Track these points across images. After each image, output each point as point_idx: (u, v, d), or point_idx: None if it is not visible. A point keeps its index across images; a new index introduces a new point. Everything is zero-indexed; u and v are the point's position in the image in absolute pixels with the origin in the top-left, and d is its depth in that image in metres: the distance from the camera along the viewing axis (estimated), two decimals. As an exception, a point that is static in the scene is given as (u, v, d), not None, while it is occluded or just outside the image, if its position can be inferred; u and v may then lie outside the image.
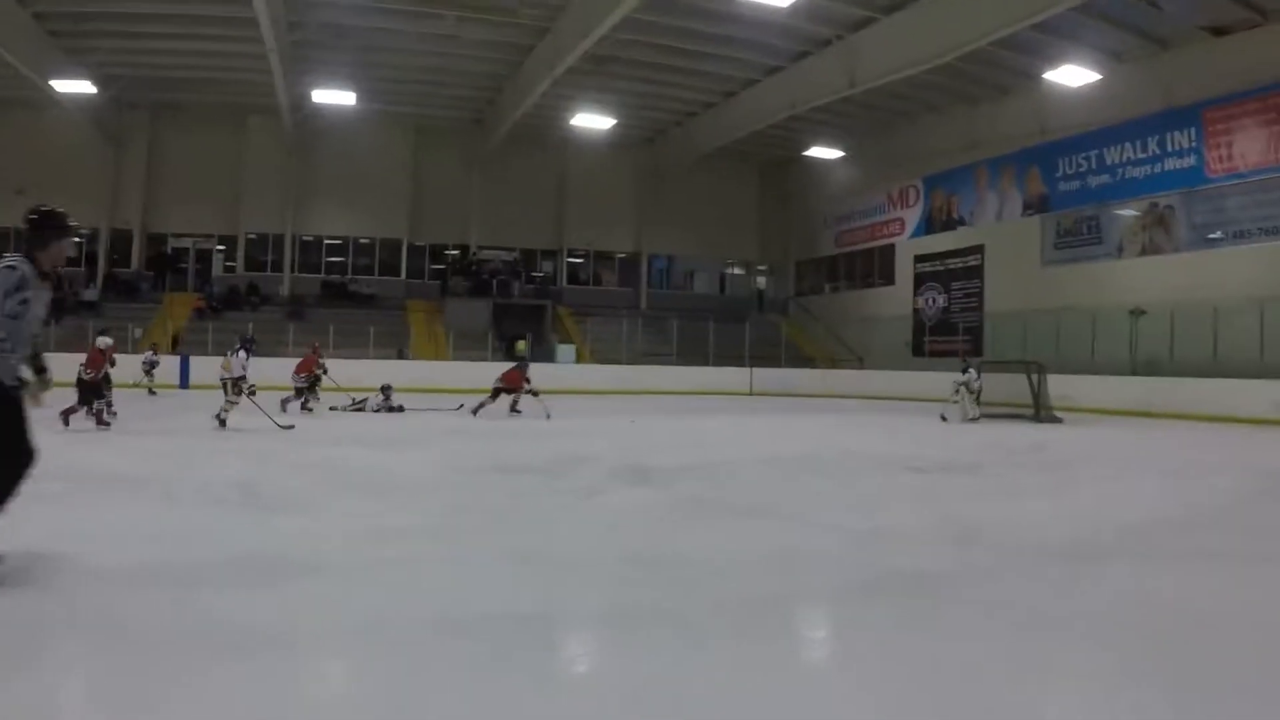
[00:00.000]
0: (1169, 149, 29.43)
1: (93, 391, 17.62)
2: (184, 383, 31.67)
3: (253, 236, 43.00)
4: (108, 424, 17.67)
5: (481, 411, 22.71)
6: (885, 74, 30.29)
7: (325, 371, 24.37)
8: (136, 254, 41.62)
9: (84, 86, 33.02)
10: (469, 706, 4.36)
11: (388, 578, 6.89)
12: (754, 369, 39.17)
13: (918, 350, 38.70)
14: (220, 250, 43.32)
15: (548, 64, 31.88)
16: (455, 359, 37.65)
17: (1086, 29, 27.99)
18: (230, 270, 42.75)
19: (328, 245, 44.29)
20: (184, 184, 41.14)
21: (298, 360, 24.42)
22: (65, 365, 27.31)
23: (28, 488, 8.27)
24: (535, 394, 22.90)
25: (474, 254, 45.65)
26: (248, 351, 18.72)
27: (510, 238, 46.63)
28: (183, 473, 11.63)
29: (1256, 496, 12.21)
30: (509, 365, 24.90)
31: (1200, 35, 27.85)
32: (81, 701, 4.55)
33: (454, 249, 46.35)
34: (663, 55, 33.43)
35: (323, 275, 43.73)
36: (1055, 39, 28.53)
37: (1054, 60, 29.18)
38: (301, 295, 41.70)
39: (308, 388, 23.47)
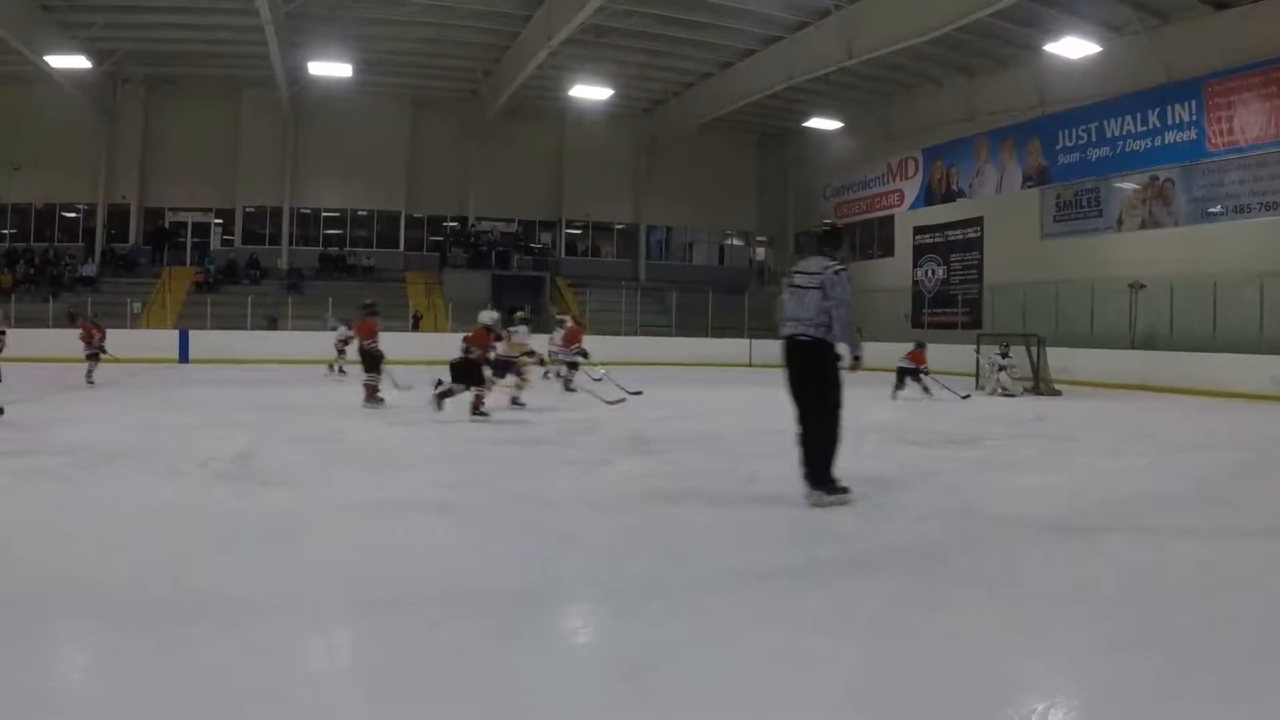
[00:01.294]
0: (1169, 122, 29.30)
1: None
2: (183, 357, 31.56)
3: (250, 210, 42.90)
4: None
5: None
6: (884, 45, 30.12)
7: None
8: (134, 229, 41.49)
9: (78, 61, 32.78)
10: (469, 680, 4.38)
11: (388, 551, 6.92)
12: (753, 340, 38.99)
13: (916, 323, 38.63)
14: (218, 224, 43.20)
15: (545, 34, 31.70)
16: (454, 330, 37.57)
17: (1086, 1, 27.89)
18: (228, 244, 42.68)
19: (325, 218, 44.23)
20: (181, 158, 40.93)
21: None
22: (61, 341, 27.56)
23: (34, 462, 8.28)
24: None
25: (472, 225, 45.58)
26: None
27: (509, 209, 46.61)
28: (186, 447, 11.65)
29: (1252, 471, 12.28)
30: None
31: (1201, 8, 27.62)
32: (78, 675, 4.57)
33: (452, 221, 46.23)
34: (660, 25, 33.25)
35: (321, 248, 43.67)
36: (1055, 11, 28.38)
37: (1054, 32, 28.91)
38: (300, 268, 41.67)
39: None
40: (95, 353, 23.27)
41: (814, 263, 8.82)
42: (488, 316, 16.64)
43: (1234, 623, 5.58)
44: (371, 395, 17.85)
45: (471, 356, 15.86)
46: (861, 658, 4.86)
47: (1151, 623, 5.51)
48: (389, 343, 19.17)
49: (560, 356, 22.48)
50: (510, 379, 17.75)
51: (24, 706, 3.91)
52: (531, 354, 18.70)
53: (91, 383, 22.09)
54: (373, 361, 18.29)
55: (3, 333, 20.01)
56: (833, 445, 8.69)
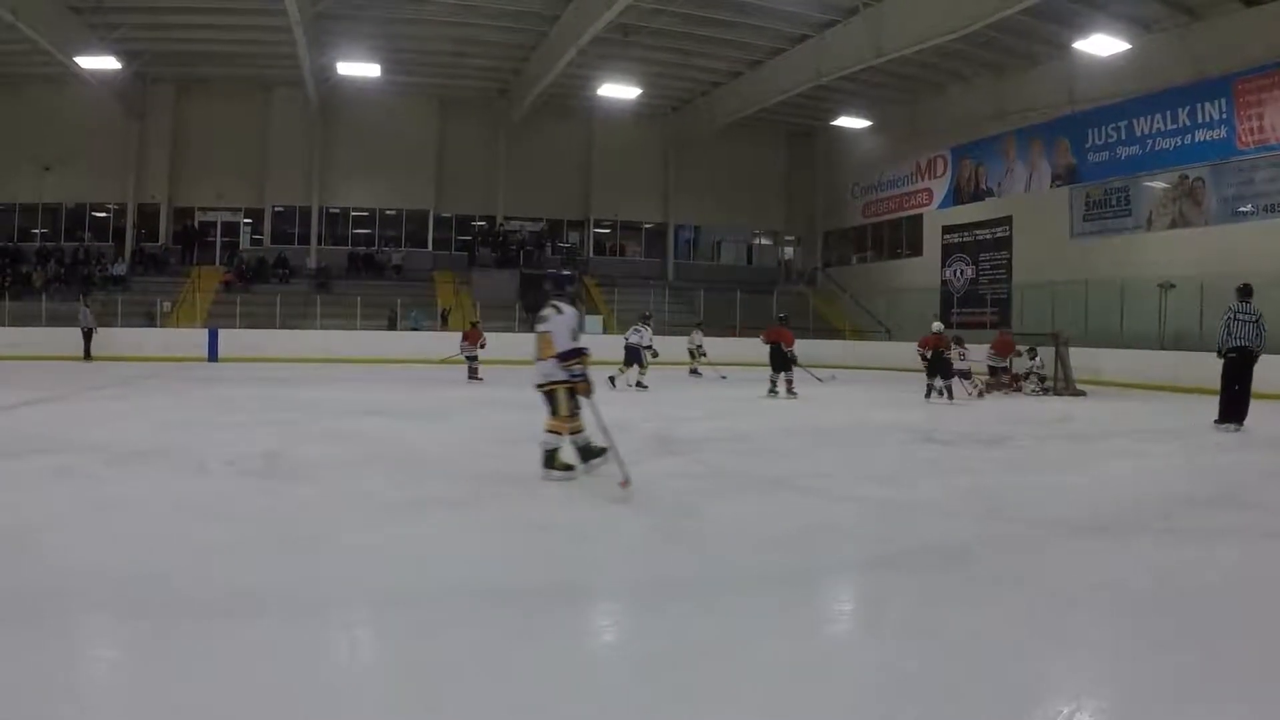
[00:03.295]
0: (1199, 120, 29.09)
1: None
2: (213, 355, 31.68)
3: (279, 209, 43.08)
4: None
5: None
6: (912, 43, 30.00)
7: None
8: (164, 228, 41.65)
9: (108, 62, 32.93)
10: (491, 678, 4.40)
11: (412, 548, 6.96)
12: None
13: (945, 322, 38.47)
14: (247, 223, 43.36)
15: (573, 34, 31.78)
16: (484, 329, 37.66)
17: (1116, -2, 27.74)
18: (257, 243, 42.84)
19: (354, 217, 44.36)
20: (210, 158, 41.10)
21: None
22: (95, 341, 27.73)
23: (62, 460, 8.34)
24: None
25: (500, 224, 45.62)
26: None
27: (536, 208, 46.66)
28: (214, 445, 11.70)
29: (1276, 473, 12.19)
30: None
31: (1231, 5, 27.43)
32: (102, 669, 4.60)
33: (480, 220, 46.24)
34: (689, 24, 33.23)
35: (349, 247, 43.79)
36: (1084, 8, 28.30)
37: (1083, 29, 28.75)
38: (328, 267, 41.72)
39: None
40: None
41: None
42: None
43: (1263, 625, 5.56)
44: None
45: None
46: (887, 659, 4.85)
47: (1179, 625, 5.49)
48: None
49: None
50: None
51: (48, 701, 3.95)
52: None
53: None
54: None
55: None
56: None
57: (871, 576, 6.66)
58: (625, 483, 8.74)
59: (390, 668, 4.60)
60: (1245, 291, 16.62)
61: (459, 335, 28.03)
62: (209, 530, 7.24)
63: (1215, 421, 16.33)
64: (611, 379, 23.38)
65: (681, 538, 7.54)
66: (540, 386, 9.66)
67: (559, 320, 9.48)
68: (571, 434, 9.71)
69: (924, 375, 22.54)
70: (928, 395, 21.88)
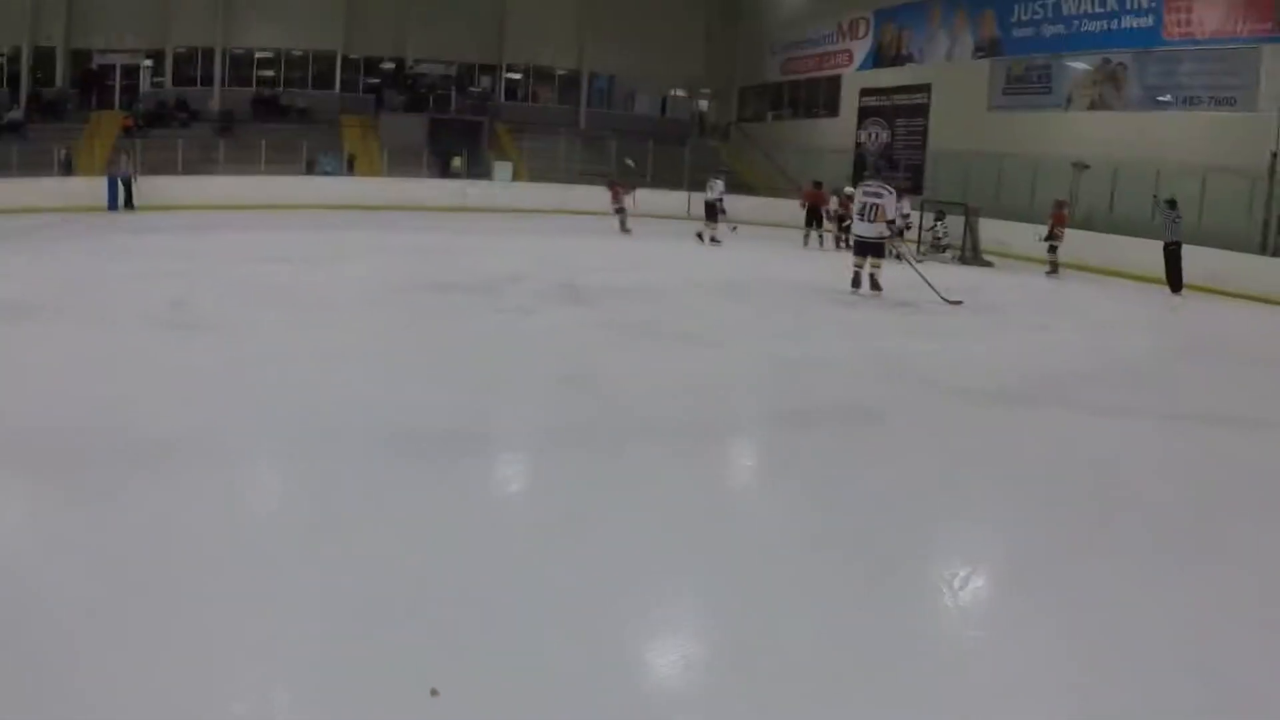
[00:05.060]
0: (1127, 6, 28.97)
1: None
2: (113, 204, 30.78)
3: (181, 50, 41.24)
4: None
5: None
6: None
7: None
8: (61, 73, 39.82)
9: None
10: (395, 520, 4.67)
11: (320, 394, 6.98)
12: (691, 193, 38.73)
13: (858, 184, 38.43)
14: (148, 66, 41.42)
15: None
16: (390, 176, 37.09)
17: None
18: (159, 86, 41.13)
19: (259, 58, 42.70)
20: (110, -2, 39.28)
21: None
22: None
23: None
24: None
25: (410, 67, 44.45)
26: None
27: (448, 50, 45.28)
28: (117, 297, 11.50)
29: (1174, 357, 13.03)
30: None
31: (1170, -113, 27.18)
32: (15, 519, 4.72)
33: (390, 62, 44.96)
34: None
35: (254, 89, 42.29)
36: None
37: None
38: (232, 111, 40.26)
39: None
40: None
41: None
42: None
43: (1147, 497, 6.16)
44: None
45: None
46: (788, 511, 5.00)
47: (1074, 492, 5.95)
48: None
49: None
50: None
51: None
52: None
53: None
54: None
55: None
56: None
57: (776, 430, 6.82)
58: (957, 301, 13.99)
59: (292, 513, 4.76)
60: (1174, 202, 21.48)
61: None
62: (111, 381, 7.25)
63: (1174, 293, 20.75)
64: (699, 234, 25.42)
65: (587, 387, 7.61)
66: (870, 239, 15.81)
67: (889, 198, 15.93)
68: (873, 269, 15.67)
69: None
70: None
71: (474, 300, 12.17)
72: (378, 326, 9.80)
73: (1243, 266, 23.38)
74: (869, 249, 16.01)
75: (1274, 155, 24.89)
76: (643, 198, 34.69)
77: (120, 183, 30.61)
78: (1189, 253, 22.41)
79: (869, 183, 16.76)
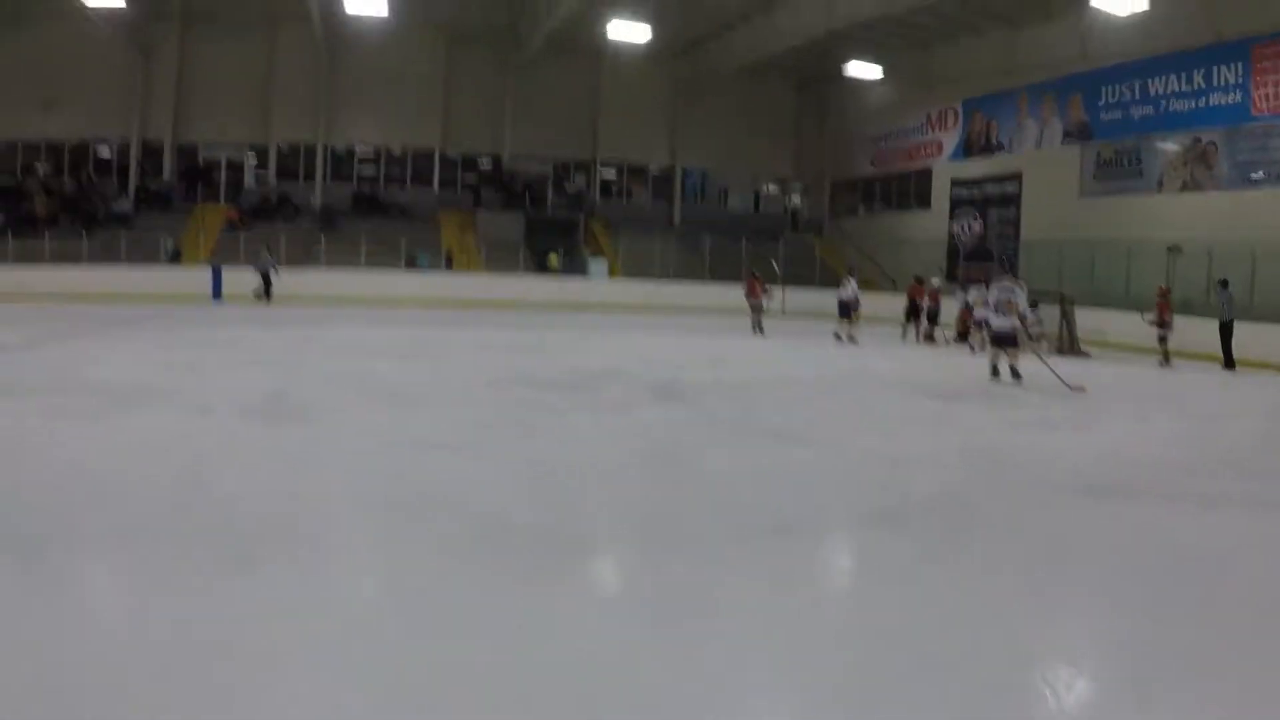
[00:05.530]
0: (1214, 84, 28.75)
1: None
2: (216, 293, 31.62)
3: (284, 147, 42.62)
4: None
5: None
6: (926, -12, 29.66)
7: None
8: (168, 165, 41.27)
9: (112, -1, 32.62)
10: (494, 613, 4.50)
11: (414, 486, 7.01)
12: (786, 288, 38.88)
13: (951, 276, 38.29)
14: (252, 162, 42.98)
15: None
16: (488, 271, 37.62)
17: (1137, -45, 27.30)
18: (262, 180, 42.46)
19: (359, 156, 43.95)
20: (215, 94, 40.53)
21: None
22: (97, 279, 27.83)
23: (65, 401, 8.38)
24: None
25: (507, 166, 45.26)
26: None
27: (543, 149, 46.06)
28: (216, 385, 11.73)
29: None
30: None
31: (1253, -32, 27.18)
32: (101, 599, 4.66)
33: (487, 160, 45.79)
34: (700, -37, 32.92)
35: (354, 185, 43.40)
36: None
37: (1102, -17, 28.41)
38: (333, 206, 41.43)
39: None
40: None
41: None
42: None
43: (1257, 592, 5.67)
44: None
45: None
46: (882, 609, 4.90)
47: (1175, 590, 5.59)
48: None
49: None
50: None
51: (60, 634, 4.04)
52: None
53: None
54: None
55: None
56: None
57: (868, 528, 6.68)
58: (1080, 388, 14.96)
59: (386, 605, 4.68)
60: (1226, 283, 22.57)
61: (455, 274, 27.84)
62: (215, 470, 7.30)
63: (1225, 367, 21.93)
64: (836, 334, 24.97)
65: (683, 485, 7.58)
66: (1006, 331, 16.61)
67: (1021, 294, 16.90)
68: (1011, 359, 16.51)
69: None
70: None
71: (569, 396, 12.22)
72: (473, 421, 9.87)
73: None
74: (1006, 340, 16.79)
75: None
76: (733, 295, 34.93)
77: (260, 275, 31.39)
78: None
79: (1003, 279, 17.35)
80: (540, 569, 5.24)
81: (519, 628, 4.32)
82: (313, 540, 5.64)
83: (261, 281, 31.24)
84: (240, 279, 32.05)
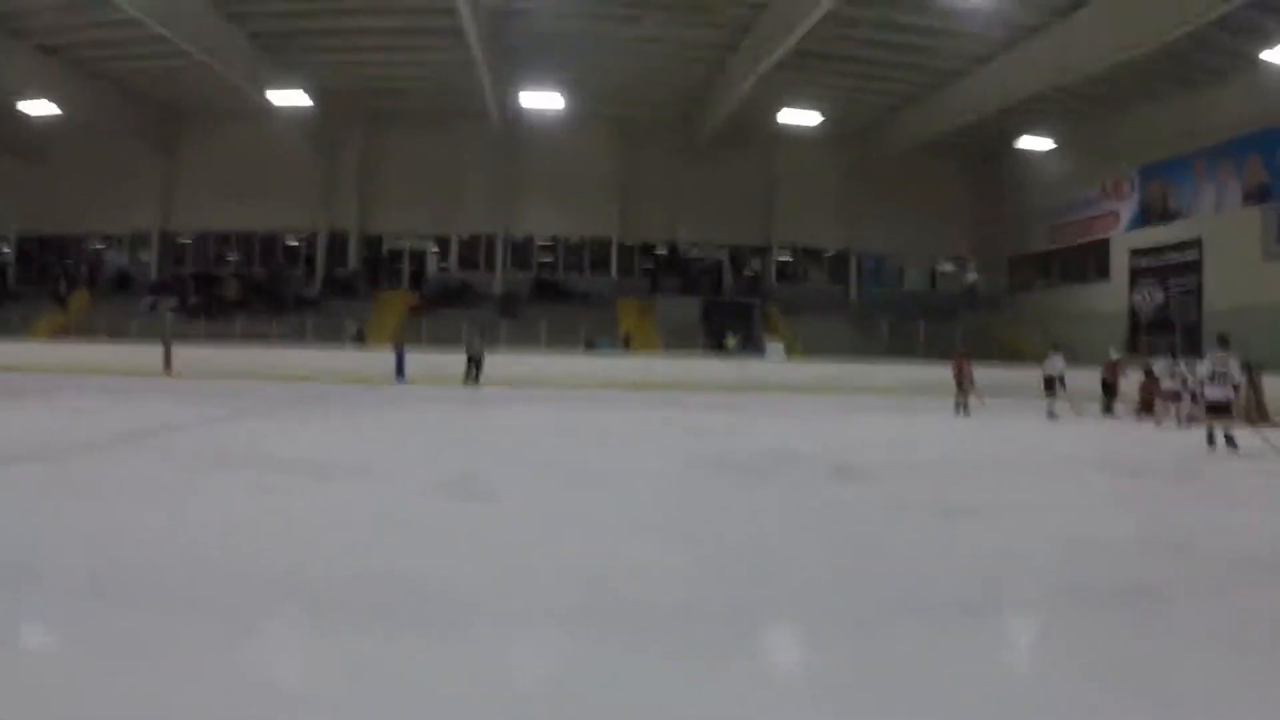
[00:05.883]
0: (1399, 129, 28.06)
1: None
2: (400, 373, 32.66)
3: (465, 237, 44.28)
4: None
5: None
6: (1097, 60, 29.50)
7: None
8: (353, 254, 43.29)
9: (299, 98, 34.33)
10: (683, 697, 4.50)
11: (610, 569, 7.05)
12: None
13: (1133, 348, 37.53)
14: (434, 251, 44.76)
15: (752, 61, 31.99)
16: (666, 354, 38.01)
17: (1308, 5, 26.82)
18: (444, 270, 44.05)
19: (538, 244, 45.40)
20: (398, 187, 42.77)
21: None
22: (285, 360, 28.93)
23: (257, 477, 8.82)
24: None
25: (683, 251, 45.96)
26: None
27: (718, 234, 47.00)
28: (407, 464, 12.08)
29: None
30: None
31: None
32: (289, 678, 4.79)
33: (663, 246, 46.75)
34: (868, 49, 33.33)
35: (534, 273, 44.74)
36: (1273, 17, 27.34)
37: (1273, 39, 27.98)
38: (513, 292, 42.64)
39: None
40: None
41: None
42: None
43: None
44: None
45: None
46: (1072, 698, 4.80)
47: None
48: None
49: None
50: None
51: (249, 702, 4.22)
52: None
53: None
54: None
55: None
56: None
57: (1054, 613, 6.51)
58: None
59: (576, 686, 4.64)
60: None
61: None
62: (398, 543, 7.54)
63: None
64: (1050, 413, 24.61)
65: (866, 565, 7.53)
66: (1221, 401, 16.53)
67: (1235, 365, 16.83)
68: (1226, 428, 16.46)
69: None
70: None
71: (750, 479, 12.27)
72: (655, 504, 10.03)
73: None
74: (1221, 410, 16.85)
75: None
76: (921, 374, 34.79)
77: (471, 360, 31.87)
78: None
79: (1217, 350, 17.27)
80: (734, 649, 5.26)
81: (710, 713, 4.34)
82: (499, 615, 5.74)
83: (471, 365, 31.75)
84: (422, 360, 32.97)
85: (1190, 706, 4.62)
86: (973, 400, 24.15)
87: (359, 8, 29.73)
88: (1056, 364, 25.03)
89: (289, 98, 34.53)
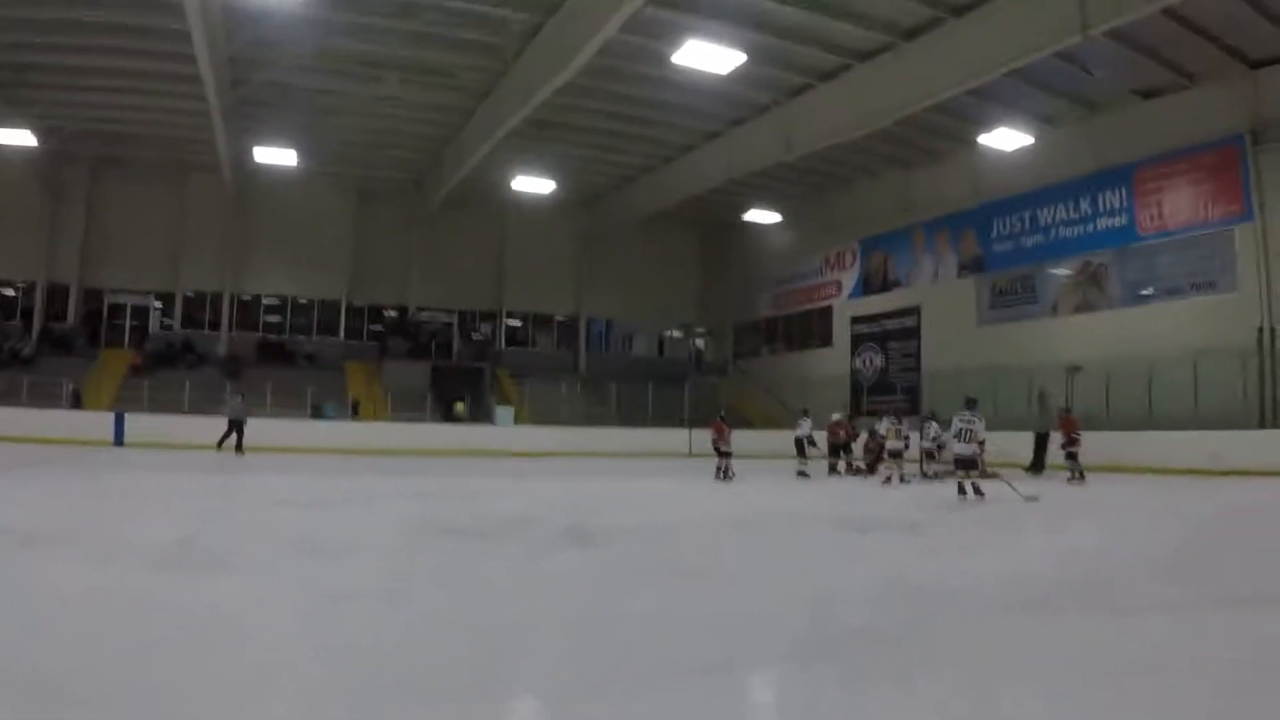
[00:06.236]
0: (1101, 208, 30.31)
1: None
2: (118, 439, 31.23)
3: (190, 294, 42.38)
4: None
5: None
6: (821, 139, 30.86)
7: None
8: (73, 308, 40.76)
9: (24, 138, 32.47)
10: None
11: (335, 644, 6.77)
12: (692, 430, 39.16)
13: (855, 411, 38.79)
14: (158, 307, 42.61)
15: (489, 127, 31.96)
16: (395, 419, 37.46)
17: (1019, 94, 28.78)
18: (167, 328, 42.07)
19: (266, 304, 43.93)
20: (123, 239, 40.35)
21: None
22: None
23: None
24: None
25: (412, 315, 45.48)
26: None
27: (449, 299, 46.72)
28: (121, 532, 11.45)
29: (1198, 545, 12.53)
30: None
31: (1130, 98, 28.77)
32: None
33: (392, 310, 46.16)
34: (603, 120, 33.82)
35: (260, 334, 43.22)
36: (989, 103, 29.31)
37: (987, 124, 29.93)
38: (238, 354, 41.04)
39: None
40: None
41: None
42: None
43: (1197, 694, 5.73)
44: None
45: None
46: None
47: (1116, 698, 5.60)
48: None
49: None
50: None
51: None
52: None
53: None
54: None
55: None
56: None
57: (795, 667, 6.66)
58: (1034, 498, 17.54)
59: None
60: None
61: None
62: (110, 624, 7.02)
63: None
64: (799, 473, 25.58)
65: (602, 632, 7.51)
66: (967, 456, 18.26)
67: (979, 424, 18.25)
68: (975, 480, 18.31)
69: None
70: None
71: (481, 544, 12.04)
72: (385, 572, 9.78)
73: (1243, 444, 23.76)
74: (968, 464, 18.55)
75: (1260, 330, 25.50)
76: (649, 438, 35.30)
77: (231, 424, 29.82)
78: (1190, 439, 23.45)
79: (964, 412, 19.02)
80: None
81: None
82: (221, 700, 5.47)
83: (232, 430, 29.79)
84: (141, 423, 31.71)
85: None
86: (732, 465, 24.46)
87: (92, 45, 28.23)
88: (805, 427, 25.85)
89: (13, 137, 32.57)
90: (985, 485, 18.50)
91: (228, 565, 9.68)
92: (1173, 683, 5.95)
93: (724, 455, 24.51)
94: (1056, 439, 24.40)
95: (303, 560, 10.24)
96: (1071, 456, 23.18)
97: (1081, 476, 22.76)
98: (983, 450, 18.53)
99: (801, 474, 25.24)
